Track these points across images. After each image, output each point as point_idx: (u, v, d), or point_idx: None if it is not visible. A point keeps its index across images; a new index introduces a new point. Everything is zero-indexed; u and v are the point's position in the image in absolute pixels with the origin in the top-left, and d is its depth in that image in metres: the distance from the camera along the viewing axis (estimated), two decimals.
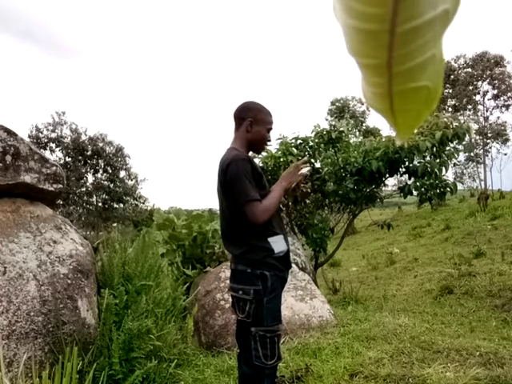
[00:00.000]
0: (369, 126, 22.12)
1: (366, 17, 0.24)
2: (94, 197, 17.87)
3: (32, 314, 2.12)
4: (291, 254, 2.29)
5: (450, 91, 23.64)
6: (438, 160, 4.42)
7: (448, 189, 4.44)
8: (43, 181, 2.55)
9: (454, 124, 4.33)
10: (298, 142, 5.05)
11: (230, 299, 1.95)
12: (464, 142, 5.08)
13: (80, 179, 17.28)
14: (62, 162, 16.99)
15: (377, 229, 11.03)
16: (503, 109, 23.94)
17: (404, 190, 4.53)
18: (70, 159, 17.23)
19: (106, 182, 17.98)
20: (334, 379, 2.34)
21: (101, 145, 17.72)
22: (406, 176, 4.66)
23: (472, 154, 24.80)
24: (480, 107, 24.51)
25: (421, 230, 10.94)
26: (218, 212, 1.94)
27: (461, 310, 4.15)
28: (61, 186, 2.67)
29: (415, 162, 4.43)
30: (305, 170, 1.90)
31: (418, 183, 4.44)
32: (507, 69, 23.14)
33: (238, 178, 1.70)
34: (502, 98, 23.67)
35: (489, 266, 5.21)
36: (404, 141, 0.32)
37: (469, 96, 23.43)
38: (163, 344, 2.62)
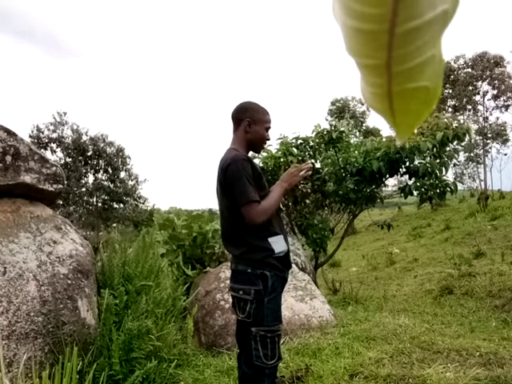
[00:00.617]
0: (369, 126, 22.12)
1: (366, 17, 0.24)
2: (95, 197, 17.86)
3: (32, 314, 2.12)
4: (291, 254, 2.29)
5: (450, 91, 23.59)
6: (438, 160, 4.42)
7: (448, 189, 4.44)
8: (43, 181, 2.55)
9: (454, 124, 4.33)
10: (299, 142, 5.04)
11: (230, 299, 1.95)
12: (464, 143, 5.07)
13: (80, 179, 17.28)
14: (62, 162, 16.99)
15: (377, 229, 11.02)
16: (503, 109, 23.91)
17: (405, 191, 4.53)
18: (70, 159, 17.22)
19: (106, 183, 17.96)
20: (333, 379, 2.34)
21: (102, 145, 17.70)
22: (407, 176, 4.66)
23: (472, 155, 24.75)
24: (480, 107, 24.47)
25: (421, 230, 10.94)
26: (218, 212, 1.94)
27: (461, 310, 4.15)
28: (61, 186, 2.67)
29: (416, 163, 4.43)
30: (305, 172, 1.90)
31: (418, 183, 4.44)
32: (507, 69, 23.08)
33: (237, 178, 1.70)
34: (501, 99, 23.62)
35: (489, 267, 5.21)
36: (404, 141, 0.32)
37: (469, 96, 23.39)
38: (163, 344, 2.62)
